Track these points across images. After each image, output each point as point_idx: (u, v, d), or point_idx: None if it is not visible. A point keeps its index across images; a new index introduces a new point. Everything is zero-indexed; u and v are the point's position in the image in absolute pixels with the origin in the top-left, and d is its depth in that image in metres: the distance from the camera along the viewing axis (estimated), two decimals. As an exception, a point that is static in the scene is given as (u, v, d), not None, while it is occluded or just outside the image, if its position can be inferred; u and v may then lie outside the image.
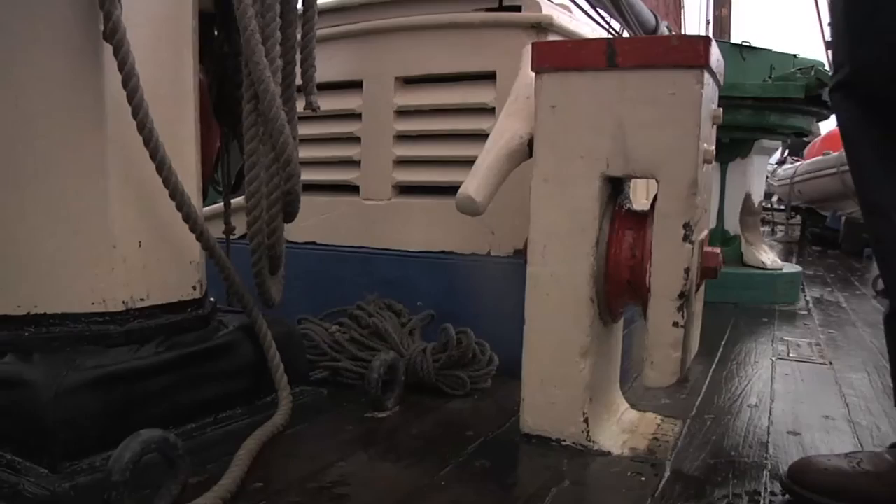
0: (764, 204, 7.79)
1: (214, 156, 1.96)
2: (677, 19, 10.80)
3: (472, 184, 1.50)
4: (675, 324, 1.40)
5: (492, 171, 1.51)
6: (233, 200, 1.98)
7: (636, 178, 1.49)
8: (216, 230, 1.91)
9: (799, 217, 9.18)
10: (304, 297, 2.10)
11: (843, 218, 7.56)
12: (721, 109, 1.50)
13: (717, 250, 1.50)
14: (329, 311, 2.05)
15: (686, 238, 1.38)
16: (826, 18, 13.62)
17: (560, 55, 1.44)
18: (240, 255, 1.65)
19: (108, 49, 1.30)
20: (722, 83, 1.57)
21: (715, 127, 1.52)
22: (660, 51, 1.37)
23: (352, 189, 2.26)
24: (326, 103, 2.04)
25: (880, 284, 4.33)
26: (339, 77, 2.23)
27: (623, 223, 1.48)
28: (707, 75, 1.38)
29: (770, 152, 4.14)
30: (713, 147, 1.48)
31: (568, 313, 1.49)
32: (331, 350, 1.93)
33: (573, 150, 1.44)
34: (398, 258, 2.16)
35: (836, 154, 7.35)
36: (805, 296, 4.10)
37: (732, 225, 3.85)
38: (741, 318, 3.27)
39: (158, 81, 1.43)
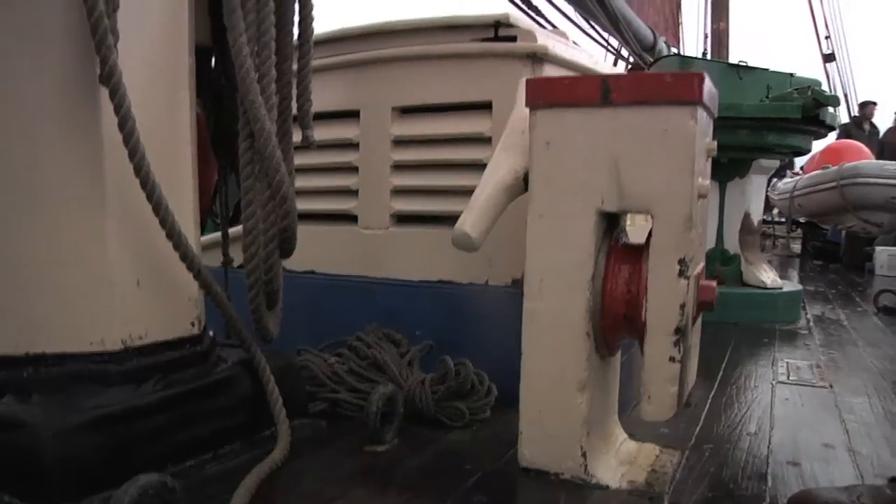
0: (765, 217, 7.79)
1: (212, 188, 1.97)
2: (675, 34, 10.85)
3: (468, 220, 1.50)
4: (672, 358, 1.41)
5: (488, 206, 1.52)
6: (231, 229, 1.98)
7: (631, 213, 1.49)
8: (215, 260, 1.92)
9: (800, 230, 9.18)
10: (302, 325, 2.10)
11: (844, 232, 7.56)
12: (715, 143, 1.50)
13: (713, 283, 1.51)
14: (328, 342, 2.05)
15: (681, 274, 1.38)
16: (823, 32, 13.71)
17: (554, 92, 1.45)
18: (239, 283, 1.65)
19: (105, 90, 1.31)
20: (716, 114, 1.58)
21: (710, 160, 1.53)
22: (653, 88, 1.38)
23: (350, 218, 2.27)
24: (324, 132, 2.06)
25: (881, 301, 4.35)
26: (337, 106, 2.24)
27: (619, 258, 1.48)
28: (700, 110, 1.39)
29: (768, 171, 4.15)
30: (708, 181, 1.49)
31: (565, 348, 1.49)
32: (330, 381, 1.93)
33: (568, 186, 1.45)
34: (397, 287, 2.17)
35: (835, 168, 7.35)
36: (806, 314, 4.09)
37: (732, 244, 3.85)
38: (742, 338, 3.26)
39: (155, 122, 1.44)
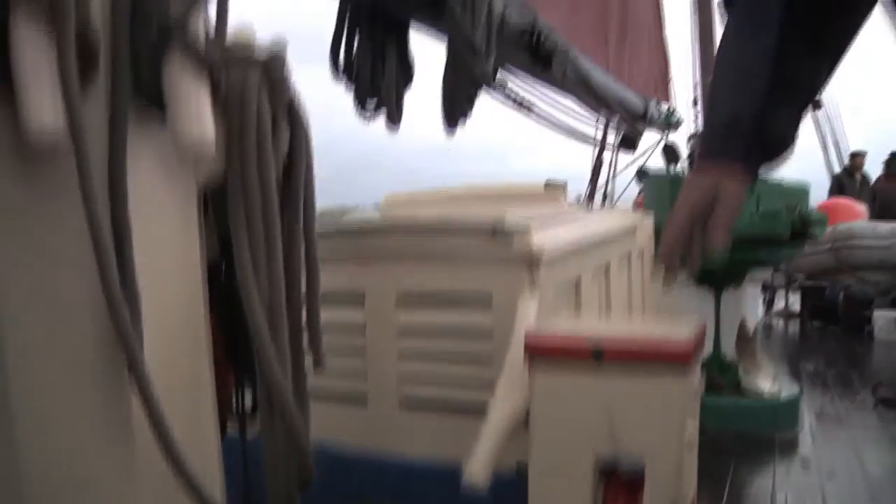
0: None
1: (230, 394, 2.06)
2: (666, 90, 11.00)
3: (476, 467, 1.61)
4: (670, 588, 1.50)
5: (494, 449, 1.62)
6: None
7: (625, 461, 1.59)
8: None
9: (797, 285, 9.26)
10: (313, 497, 2.19)
11: (842, 294, 7.64)
12: (704, 382, 1.61)
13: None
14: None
15: (674, 519, 1.48)
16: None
17: (551, 348, 1.56)
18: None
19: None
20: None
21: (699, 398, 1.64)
22: (646, 351, 1.49)
23: (359, 399, 2.36)
24: (331, 315, 2.15)
25: (881, 392, 4.44)
26: (342, 289, 2.34)
27: (614, 497, 1.58)
28: (692, 365, 1.50)
29: (761, 279, 4.26)
30: (697, 422, 1.59)
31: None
32: (346, 574, 2.02)
33: (566, 435, 1.56)
34: (405, 467, 2.25)
35: (829, 229, 7.45)
36: (805, 412, 4.15)
37: (729, 351, 3.95)
38: (741, 456, 3.34)
39: (177, 377, 1.54)
